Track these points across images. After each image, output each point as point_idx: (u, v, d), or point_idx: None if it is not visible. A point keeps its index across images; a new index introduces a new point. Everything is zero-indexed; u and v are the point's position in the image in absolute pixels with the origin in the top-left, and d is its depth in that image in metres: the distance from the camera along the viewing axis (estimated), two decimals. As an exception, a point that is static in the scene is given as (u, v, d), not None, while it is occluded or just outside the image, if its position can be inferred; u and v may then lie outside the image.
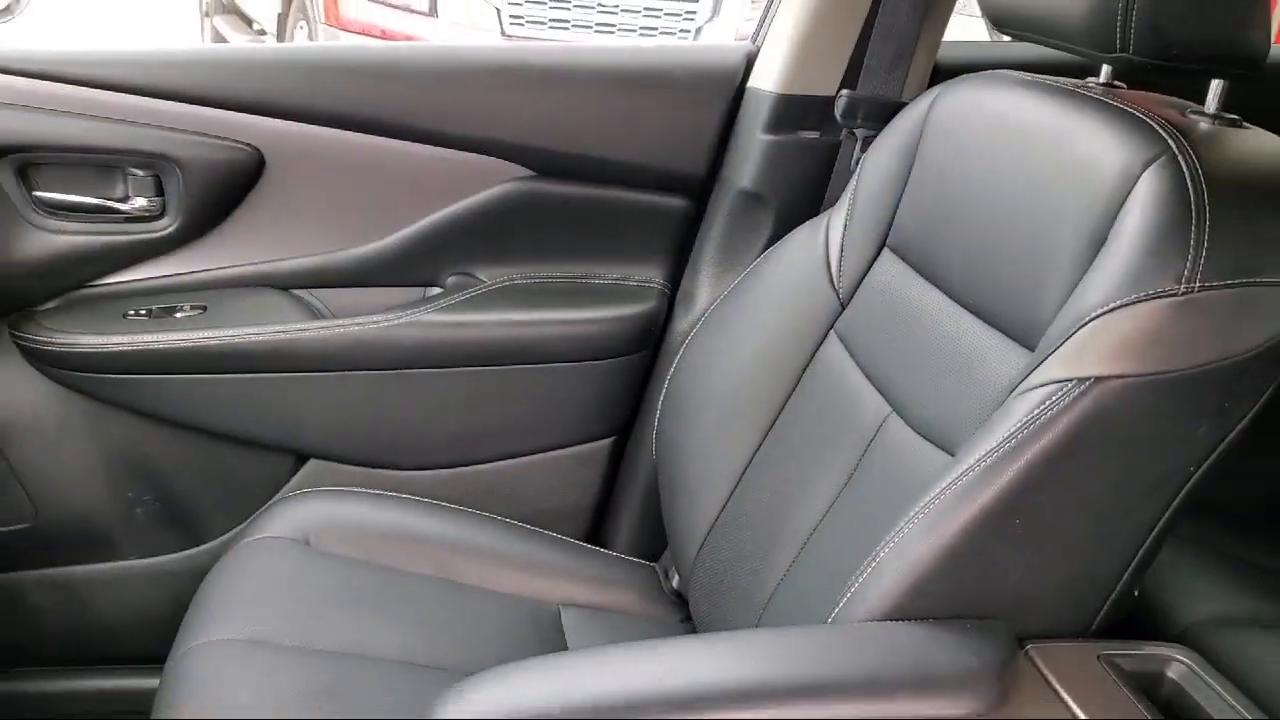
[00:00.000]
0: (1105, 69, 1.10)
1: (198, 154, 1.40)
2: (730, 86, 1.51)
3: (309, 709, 1.01)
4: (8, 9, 1.55)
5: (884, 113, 1.33)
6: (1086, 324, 0.88)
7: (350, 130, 1.44)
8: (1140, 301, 0.86)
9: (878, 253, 1.21)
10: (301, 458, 1.51)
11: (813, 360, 1.23)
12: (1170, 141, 0.91)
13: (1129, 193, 0.90)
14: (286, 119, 1.42)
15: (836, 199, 1.28)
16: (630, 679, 0.82)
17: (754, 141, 1.48)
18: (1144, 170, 0.90)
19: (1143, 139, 0.92)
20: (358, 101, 1.44)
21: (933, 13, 1.42)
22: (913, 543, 0.88)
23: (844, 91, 1.42)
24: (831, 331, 1.22)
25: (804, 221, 1.32)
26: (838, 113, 1.43)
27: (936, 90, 1.19)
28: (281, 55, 1.46)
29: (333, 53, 1.49)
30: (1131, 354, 0.86)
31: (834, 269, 1.23)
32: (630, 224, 1.55)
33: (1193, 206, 0.87)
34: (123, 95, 1.37)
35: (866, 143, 1.40)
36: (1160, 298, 0.86)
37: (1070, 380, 0.87)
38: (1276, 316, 0.88)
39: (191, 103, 1.38)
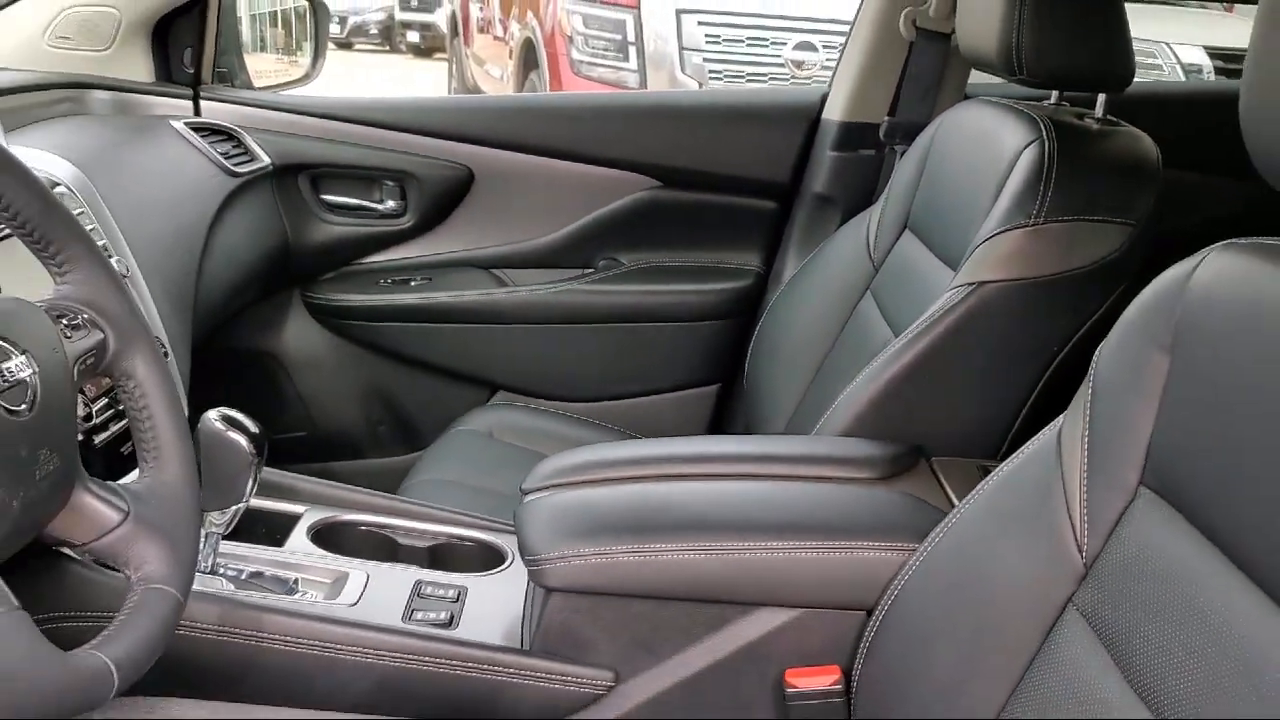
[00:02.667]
0: (1100, 97, 1.52)
1: (429, 171, 2.02)
2: (808, 117, 2.02)
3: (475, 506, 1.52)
4: (306, 76, 2.23)
5: (914, 133, 1.81)
6: (975, 249, 1.34)
7: (532, 154, 2.04)
8: (1006, 231, 1.32)
9: (900, 233, 1.68)
10: (493, 389, 2.09)
11: (853, 313, 1.71)
12: (1042, 132, 1.36)
13: (1014, 164, 1.36)
14: (489, 146, 2.03)
15: None
16: (650, 448, 1.34)
17: (825, 157, 1.99)
18: (1024, 149, 1.36)
19: (1028, 130, 1.38)
20: (537, 134, 2.03)
21: (953, 60, 1.89)
22: (859, 389, 1.36)
23: (886, 118, 1.92)
24: (868, 291, 1.70)
25: None
26: (882, 134, 1.92)
27: (941, 116, 1.66)
28: (485, 103, 2.09)
29: (520, 100, 2.10)
30: (1001, 266, 1.32)
31: (871, 246, 1.71)
32: (731, 221, 2.07)
33: (1044, 171, 1.32)
34: (380, 130, 2.00)
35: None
36: (1019, 228, 1.31)
37: (965, 284, 1.33)
38: (1101, 244, 1.32)
39: (424, 135, 2.01)
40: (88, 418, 1.12)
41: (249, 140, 1.93)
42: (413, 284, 2.06)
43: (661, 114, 2.08)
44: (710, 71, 5.63)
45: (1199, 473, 0.80)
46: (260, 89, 2.12)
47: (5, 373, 0.76)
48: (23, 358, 0.78)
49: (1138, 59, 1.45)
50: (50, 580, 1.08)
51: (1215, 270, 0.84)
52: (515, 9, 7.03)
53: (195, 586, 1.13)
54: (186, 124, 1.85)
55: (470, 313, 2.03)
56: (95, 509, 0.85)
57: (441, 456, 1.77)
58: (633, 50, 5.68)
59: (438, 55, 12.46)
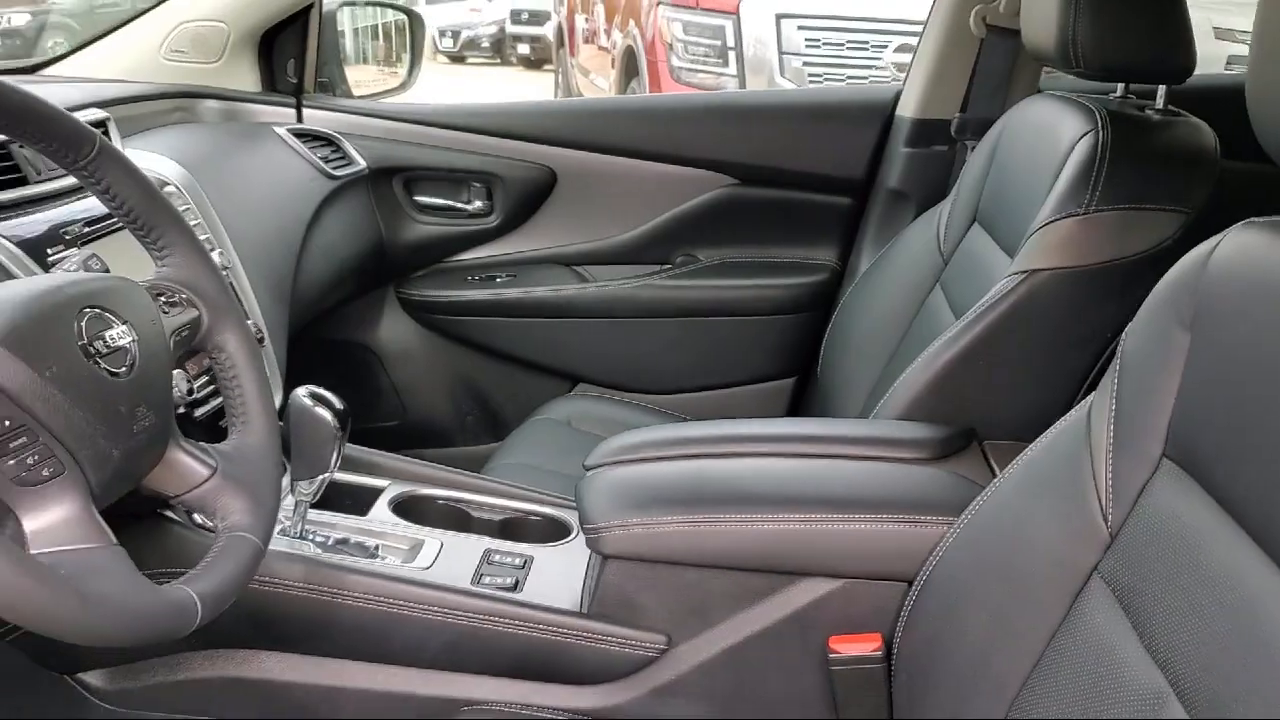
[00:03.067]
0: (1160, 88, 1.54)
1: (513, 173, 2.12)
2: (882, 115, 2.06)
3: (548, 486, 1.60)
4: (403, 85, 2.35)
5: (984, 128, 1.84)
6: (1029, 237, 1.37)
7: (612, 154, 2.12)
8: (1059, 219, 1.35)
9: (969, 226, 1.71)
10: (575, 380, 2.17)
11: (922, 305, 1.74)
12: (1098, 123, 1.39)
13: (1069, 155, 1.39)
14: (570, 148, 2.12)
15: None
16: (706, 428, 1.40)
17: (898, 154, 2.02)
18: (1079, 140, 1.39)
19: (1084, 122, 1.41)
20: (617, 134, 2.11)
21: (1025, 56, 1.91)
22: (914, 373, 1.41)
23: (957, 114, 1.94)
24: (937, 284, 1.73)
25: None
26: (953, 130, 1.95)
27: (1010, 111, 1.69)
28: (566, 106, 2.17)
29: (599, 103, 2.18)
30: (1053, 254, 1.35)
31: (941, 240, 1.75)
32: (807, 217, 2.12)
33: (1096, 161, 1.35)
34: (468, 134, 2.11)
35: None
36: (1071, 216, 1.34)
37: (1019, 272, 1.37)
38: (1154, 232, 1.34)
39: (509, 139, 2.10)
40: (190, 392, 1.23)
41: (347, 145, 2.05)
42: (498, 280, 2.16)
43: (738, 113, 2.15)
44: (810, 75, 5.65)
45: (1214, 443, 0.83)
46: (359, 97, 2.25)
47: (108, 339, 0.86)
48: (124, 327, 0.89)
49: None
50: (156, 538, 1.19)
51: (1235, 247, 0.87)
52: (618, 18, 7.15)
53: (285, 549, 1.24)
54: (289, 130, 1.98)
55: (553, 307, 2.12)
56: (187, 465, 0.95)
57: (521, 442, 1.86)
58: (732, 55, 5.74)
59: (547, 67, 12.71)
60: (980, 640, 1.01)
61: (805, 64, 5.64)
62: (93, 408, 0.83)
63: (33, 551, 0.78)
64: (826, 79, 5.44)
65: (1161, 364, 0.90)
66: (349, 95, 2.23)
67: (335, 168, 1.97)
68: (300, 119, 2.06)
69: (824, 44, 5.60)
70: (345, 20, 2.44)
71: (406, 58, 2.41)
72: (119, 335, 0.88)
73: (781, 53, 5.65)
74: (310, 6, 2.05)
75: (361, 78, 2.40)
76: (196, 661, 1.26)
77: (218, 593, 0.88)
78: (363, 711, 1.24)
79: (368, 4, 2.53)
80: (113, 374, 0.86)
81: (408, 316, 2.18)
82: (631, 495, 1.24)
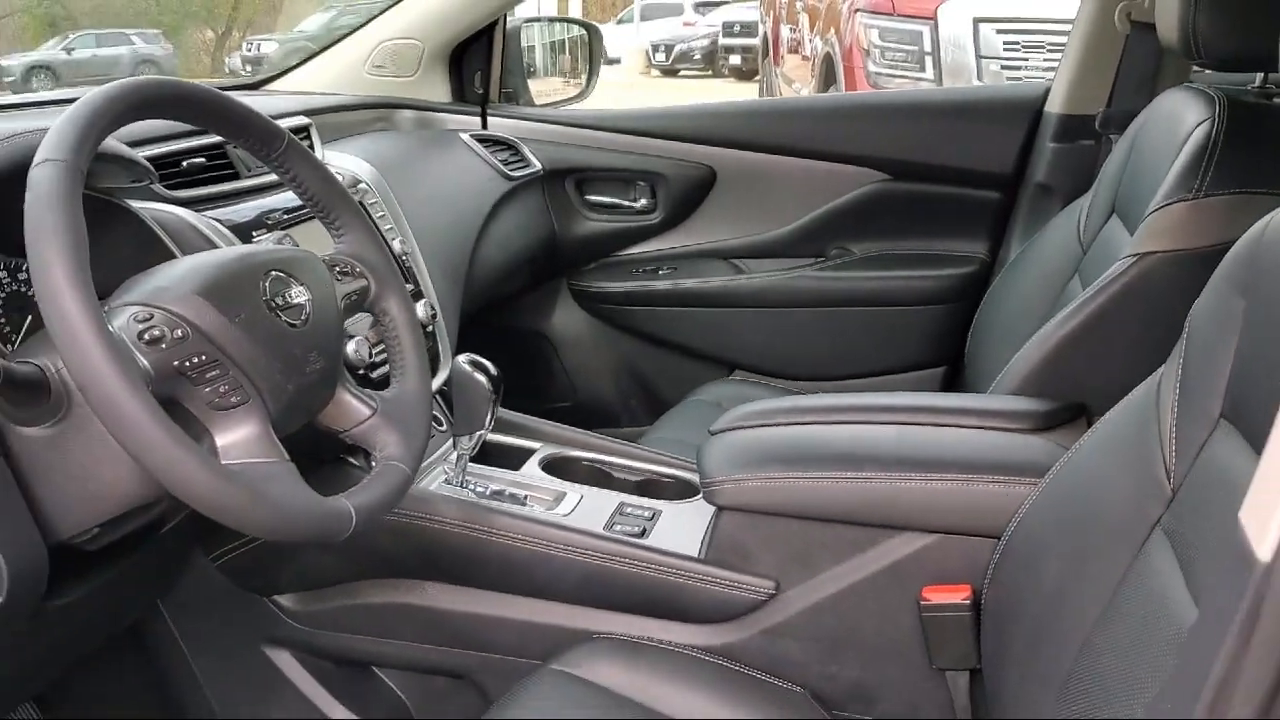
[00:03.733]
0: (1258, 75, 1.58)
1: (676, 172, 2.27)
2: (1031, 111, 2.11)
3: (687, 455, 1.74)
4: (581, 93, 2.54)
5: (1127, 123, 1.87)
6: (1143, 221, 1.43)
7: (769, 153, 2.24)
8: (1171, 204, 1.40)
9: (1108, 218, 1.76)
10: (731, 367, 2.30)
11: (1061, 293, 1.80)
12: (1215, 110, 1.43)
13: (1185, 141, 1.44)
14: (729, 148, 2.25)
15: None
16: (823, 399, 1.51)
17: (1046, 149, 2.07)
18: (1196, 128, 1.43)
19: (1204, 109, 1.45)
20: (773, 134, 2.24)
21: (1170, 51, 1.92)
22: (1029, 351, 1.48)
23: (1101, 109, 1.98)
24: (1075, 273, 1.79)
25: None
26: (1097, 125, 1.98)
27: (1150, 105, 1.73)
28: (725, 108, 2.31)
29: (757, 104, 2.31)
30: (1164, 237, 1.40)
31: (1081, 230, 1.80)
32: (956, 210, 2.19)
33: (1209, 147, 1.39)
34: (635, 137, 2.27)
35: (1118, 143, 1.94)
36: (1182, 201, 1.39)
37: (1132, 255, 1.42)
38: (1264, 216, 1.37)
39: (672, 140, 2.26)
40: (369, 356, 1.44)
41: (525, 149, 2.25)
42: (661, 272, 2.31)
43: (890, 112, 2.24)
44: (1009, 79, 5.60)
45: (1260, 401, 0.88)
46: (539, 106, 2.45)
47: (287, 297, 1.06)
48: (301, 288, 1.08)
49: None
50: (330, 472, 1.40)
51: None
52: (819, 25, 7.23)
53: (448, 494, 1.43)
54: (473, 136, 2.19)
55: (712, 297, 2.26)
56: (353, 405, 1.14)
57: (672, 419, 2.01)
58: (929, 60, 5.74)
59: (758, 78, 12.87)
60: (1055, 590, 1.08)
61: (1003, 67, 5.59)
62: (272, 350, 1.02)
63: (224, 462, 0.98)
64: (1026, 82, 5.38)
65: (1221, 328, 0.96)
66: (530, 104, 2.44)
67: (513, 169, 2.18)
68: (485, 126, 2.27)
69: (1023, 47, 5.53)
70: (534, 36, 2.66)
71: (585, 68, 2.60)
72: (296, 294, 1.07)
73: (979, 56, 5.62)
74: (495, 24, 2.26)
75: (546, 88, 2.61)
76: (371, 588, 1.46)
77: (370, 506, 1.06)
78: (506, 637, 1.41)
79: (550, 21, 2.73)
80: (290, 324, 1.05)
81: (578, 306, 2.37)
82: (746, 454, 1.37)
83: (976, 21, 5.64)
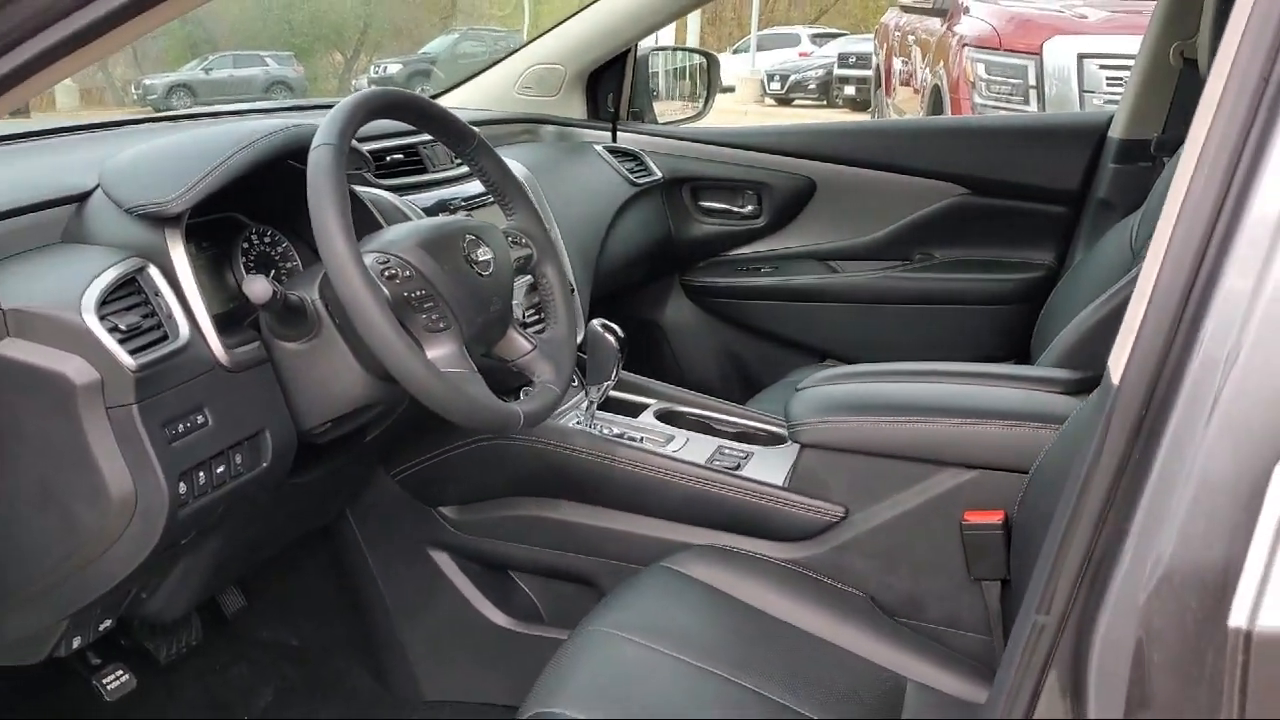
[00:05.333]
0: None
1: (780, 182, 2.60)
2: (1096, 135, 2.39)
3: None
4: (699, 114, 2.89)
5: (1178, 146, 2.13)
6: None
7: (863, 168, 2.55)
8: None
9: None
10: (823, 356, 2.61)
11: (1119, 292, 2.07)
12: None
13: None
14: (828, 162, 2.57)
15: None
16: (896, 365, 1.81)
17: (1108, 169, 2.34)
18: None
19: None
20: (868, 150, 2.55)
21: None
22: (1070, 331, 1.76)
23: (1156, 135, 2.25)
24: (1124, 277, 2.06)
25: None
26: (1153, 148, 2.25)
27: None
28: (825, 127, 2.63)
29: (854, 125, 2.62)
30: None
31: (1133, 241, 2.07)
32: (1028, 222, 2.47)
33: None
34: (744, 151, 2.61)
35: (1172, 164, 2.21)
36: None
37: None
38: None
39: (777, 154, 2.59)
40: (528, 313, 1.79)
41: (648, 160, 2.60)
42: (763, 271, 2.64)
43: (971, 133, 2.54)
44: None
45: None
46: (663, 124, 2.80)
47: (478, 255, 1.41)
48: (487, 249, 1.43)
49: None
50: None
51: None
52: (929, 58, 7.47)
53: (579, 427, 1.77)
54: (604, 148, 2.55)
55: (808, 293, 2.58)
56: (519, 341, 1.49)
57: (768, 394, 2.33)
58: (1033, 94, 5.95)
59: (871, 109, 13.09)
60: (1058, 512, 1.38)
61: (1106, 102, 5.79)
62: (468, 291, 1.37)
63: None
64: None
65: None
66: (654, 121, 2.79)
67: (637, 177, 2.52)
68: (615, 139, 2.63)
69: (1124, 82, 5.72)
70: (661, 63, 3.02)
71: (703, 92, 2.95)
72: (484, 253, 1.42)
73: (1083, 91, 5.82)
74: (627, 52, 2.62)
75: (669, 109, 2.96)
76: (515, 503, 1.81)
77: (531, 413, 1.40)
78: (622, 546, 1.74)
79: (674, 50, 3.08)
80: (480, 274, 1.40)
81: (689, 300, 2.70)
82: (826, 403, 1.68)
83: (1081, 57, 5.84)
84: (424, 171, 1.86)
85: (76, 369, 1.15)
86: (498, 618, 1.87)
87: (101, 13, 1.02)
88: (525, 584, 1.90)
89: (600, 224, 2.32)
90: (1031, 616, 0.82)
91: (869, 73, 14.38)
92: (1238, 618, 0.65)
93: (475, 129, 1.52)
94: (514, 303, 1.62)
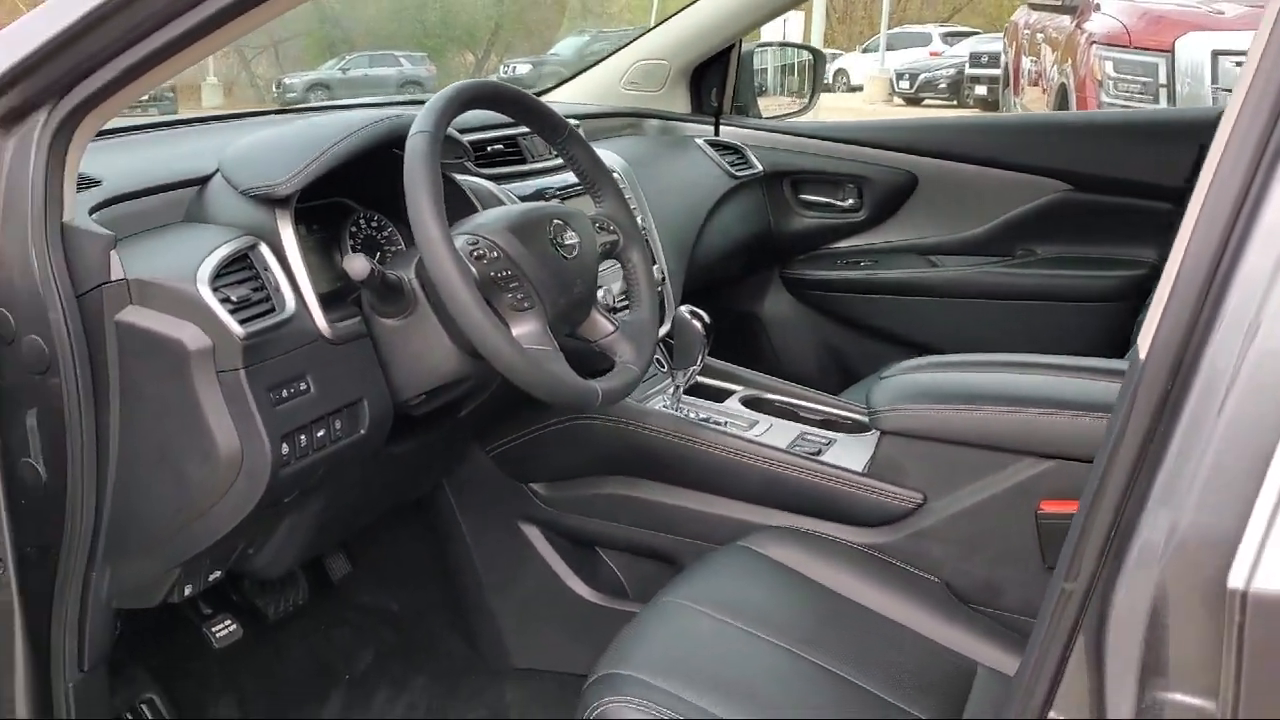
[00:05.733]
0: None
1: (881, 176, 2.61)
2: (1203, 131, 2.33)
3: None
4: (806, 107, 2.92)
5: None
6: None
7: (965, 163, 2.55)
8: None
9: None
10: (921, 350, 2.61)
11: None
12: None
13: None
14: (930, 157, 2.58)
15: None
16: (975, 356, 1.81)
17: (1215, 165, 2.29)
18: None
19: None
20: (970, 146, 2.55)
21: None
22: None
23: (1268, 129, 2.20)
24: None
25: None
26: (1265, 143, 2.20)
27: None
28: (927, 122, 2.63)
29: (956, 119, 2.62)
30: None
31: None
32: (1131, 219, 2.43)
33: None
34: (845, 145, 2.63)
35: None
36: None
37: None
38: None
39: (879, 148, 2.60)
40: (613, 301, 1.86)
41: (749, 153, 2.64)
42: (863, 264, 2.66)
43: (1075, 129, 2.52)
44: (1249, 110, 5.60)
45: None
46: (766, 118, 2.84)
47: (564, 238, 1.48)
48: (573, 233, 1.50)
49: None
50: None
51: None
52: (1057, 56, 7.32)
53: (665, 409, 1.83)
54: (706, 141, 2.60)
55: (908, 287, 2.59)
56: (602, 322, 1.56)
57: (861, 387, 2.35)
58: (1164, 93, 5.79)
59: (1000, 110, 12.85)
60: None
61: (1242, 99, 5.60)
62: (553, 273, 1.44)
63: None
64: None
65: None
66: (758, 116, 2.83)
67: (737, 170, 2.57)
68: (717, 133, 2.68)
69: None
70: (767, 60, 3.06)
71: (808, 88, 2.98)
72: (570, 237, 1.49)
73: (1216, 88, 5.64)
74: (732, 48, 2.67)
75: (774, 104, 3.00)
76: (601, 482, 1.87)
77: (611, 390, 1.47)
78: (702, 526, 1.79)
79: (780, 46, 3.12)
80: (565, 257, 1.47)
81: (788, 293, 2.74)
82: (907, 391, 1.70)
83: (1216, 54, 5.66)
84: (523, 162, 1.94)
85: (191, 335, 1.25)
86: (584, 591, 1.94)
87: (212, 10, 1.12)
88: (611, 560, 1.97)
89: (697, 215, 2.37)
90: (1059, 584, 0.85)
91: (1000, 72, 14.12)
92: (1236, 580, 0.68)
93: (568, 120, 1.59)
94: (606, 289, 1.69)
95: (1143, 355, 0.82)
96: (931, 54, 20.87)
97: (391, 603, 2.12)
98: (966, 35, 21.04)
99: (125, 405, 1.29)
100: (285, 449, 1.31)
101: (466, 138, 1.72)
